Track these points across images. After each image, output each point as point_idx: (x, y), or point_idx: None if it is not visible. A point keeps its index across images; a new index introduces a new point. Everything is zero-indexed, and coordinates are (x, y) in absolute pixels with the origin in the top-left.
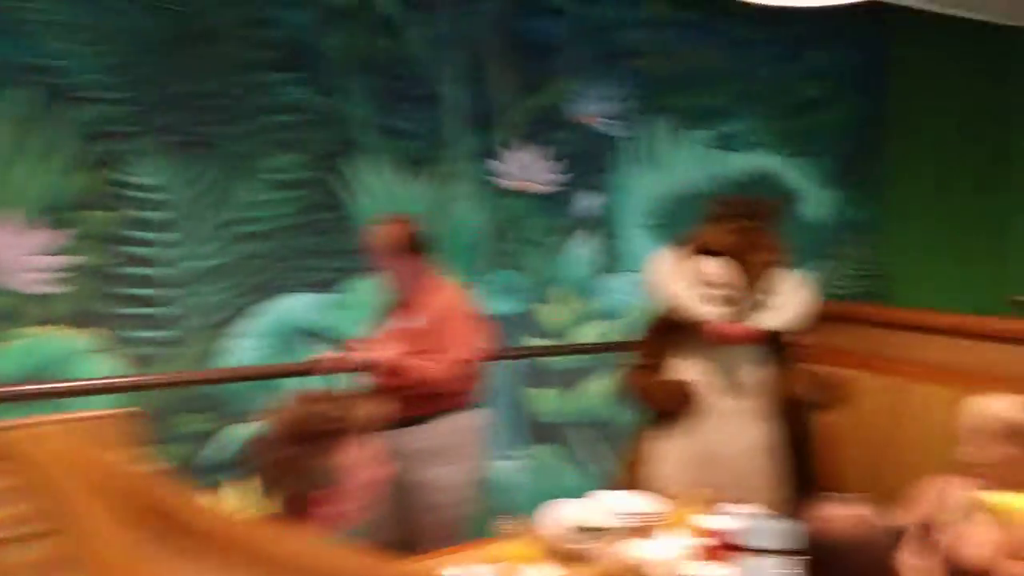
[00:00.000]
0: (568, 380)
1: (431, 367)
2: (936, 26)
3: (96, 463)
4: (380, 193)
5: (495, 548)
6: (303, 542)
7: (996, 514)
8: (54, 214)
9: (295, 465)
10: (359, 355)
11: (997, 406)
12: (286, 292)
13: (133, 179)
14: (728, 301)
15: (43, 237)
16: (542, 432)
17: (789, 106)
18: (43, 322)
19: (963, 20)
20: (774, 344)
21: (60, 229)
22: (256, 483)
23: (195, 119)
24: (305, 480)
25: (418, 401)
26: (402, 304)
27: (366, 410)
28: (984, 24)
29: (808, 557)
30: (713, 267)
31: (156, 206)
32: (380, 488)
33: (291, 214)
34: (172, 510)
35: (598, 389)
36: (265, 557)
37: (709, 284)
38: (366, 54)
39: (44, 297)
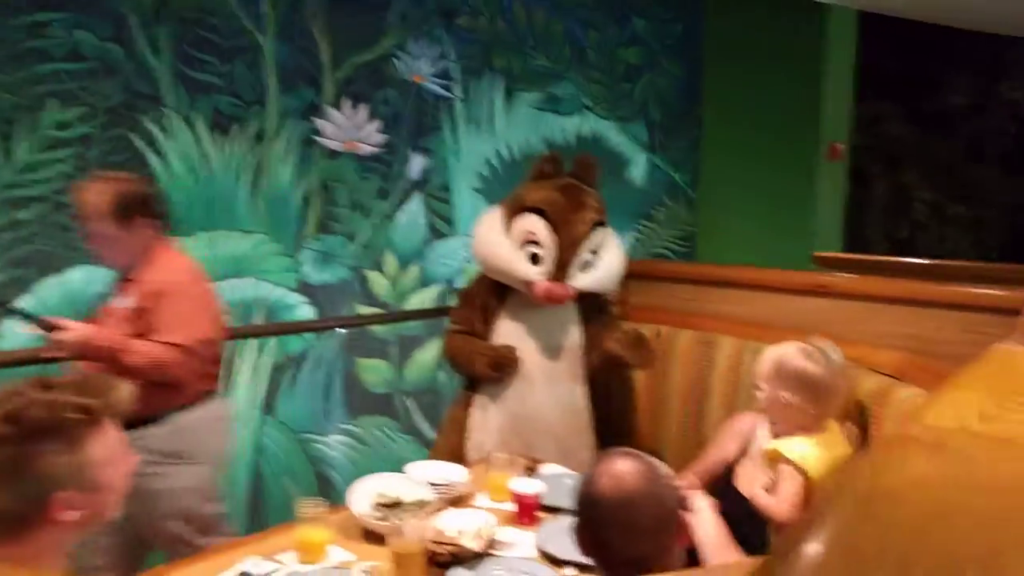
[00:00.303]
0: (400, 349)
1: (139, 351)
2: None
3: None
4: (188, 153)
5: (299, 531)
6: None
7: (767, 458)
8: None
9: (30, 465)
10: (53, 335)
11: (776, 352)
12: (77, 264)
13: None
14: (551, 260)
15: None
16: (373, 403)
17: (614, 71)
18: None
19: None
20: (591, 303)
21: None
22: None
23: None
24: (46, 481)
25: (143, 396)
26: (123, 279)
27: (116, 394)
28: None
29: (579, 514)
30: (534, 225)
31: None
32: (129, 480)
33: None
34: None
35: (430, 357)
36: None
37: (530, 242)
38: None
39: None
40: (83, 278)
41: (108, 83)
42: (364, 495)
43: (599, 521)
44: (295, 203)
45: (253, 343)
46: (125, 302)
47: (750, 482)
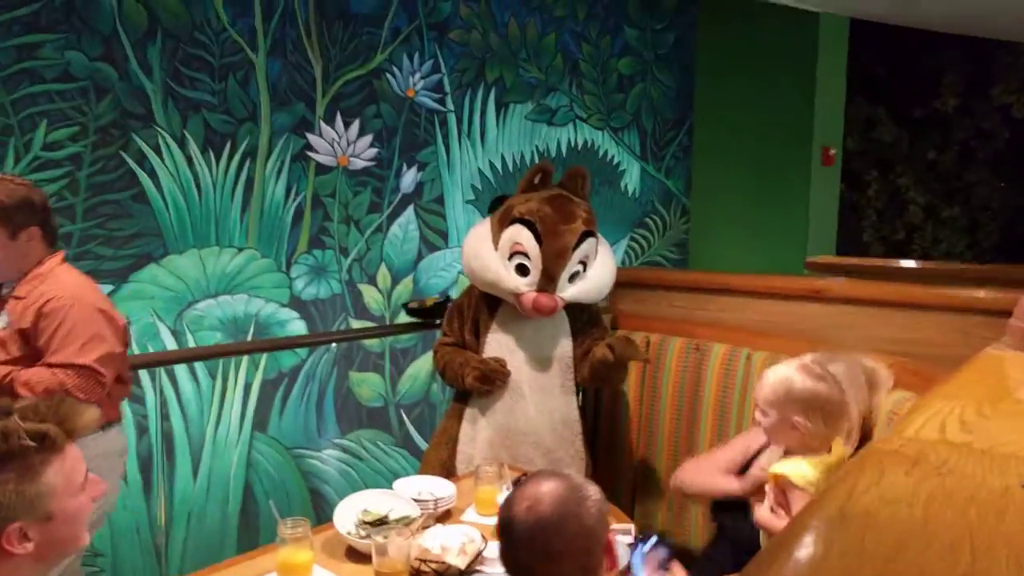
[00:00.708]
0: (393, 362)
1: (31, 380)
2: (744, 8)
3: None
4: (180, 171)
5: (281, 552)
6: None
7: (773, 481)
8: None
9: None
10: None
11: (780, 374)
12: None
13: None
14: (539, 271)
15: None
16: (367, 417)
17: (607, 82)
18: None
19: (770, 4)
20: (581, 314)
21: None
22: None
23: None
24: (6, 516)
25: None
26: (2, 296)
27: (78, 419)
28: (789, 8)
29: (500, 538)
30: (522, 236)
31: None
32: (95, 507)
33: (69, 194)
34: None
35: (424, 370)
36: None
37: (518, 254)
38: (153, 16)
39: None
40: None
41: (99, 103)
42: (349, 513)
43: (517, 545)
44: (287, 219)
45: (245, 359)
46: (4, 321)
47: (756, 509)
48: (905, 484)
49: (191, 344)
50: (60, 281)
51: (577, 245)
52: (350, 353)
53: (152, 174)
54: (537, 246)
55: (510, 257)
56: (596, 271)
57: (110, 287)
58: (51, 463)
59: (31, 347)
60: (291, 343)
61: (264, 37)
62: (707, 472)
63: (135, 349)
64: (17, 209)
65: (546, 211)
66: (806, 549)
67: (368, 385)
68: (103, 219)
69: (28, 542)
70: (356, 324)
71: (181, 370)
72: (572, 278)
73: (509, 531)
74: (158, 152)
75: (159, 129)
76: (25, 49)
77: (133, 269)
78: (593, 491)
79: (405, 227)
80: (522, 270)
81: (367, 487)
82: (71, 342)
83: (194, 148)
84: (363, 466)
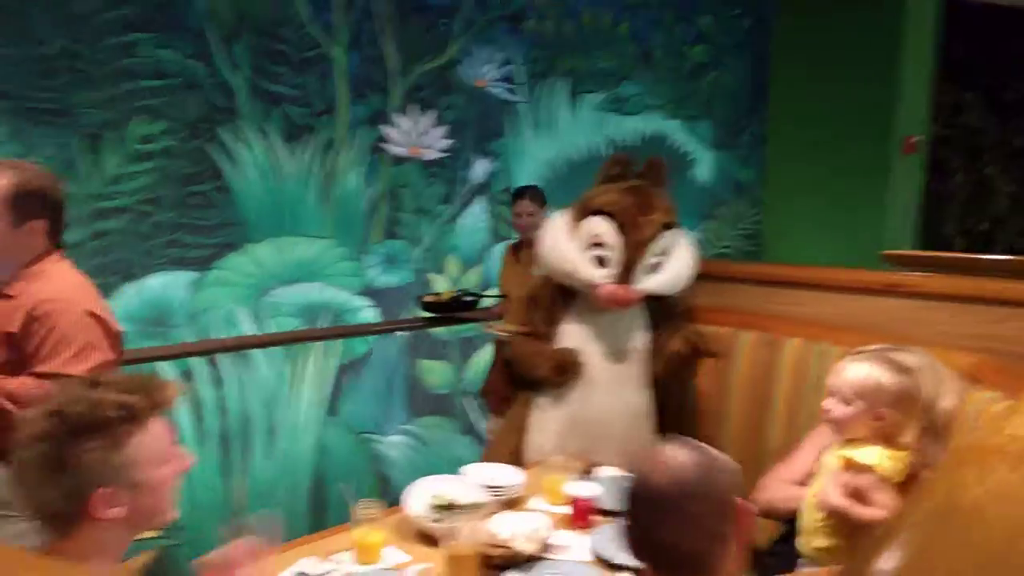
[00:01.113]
0: (461, 350)
1: (26, 396)
2: None
3: None
4: (261, 163)
5: (355, 533)
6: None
7: (845, 467)
8: None
9: (70, 461)
10: None
11: (862, 368)
12: (152, 270)
13: None
14: (617, 262)
15: None
16: (433, 404)
17: (680, 70)
18: None
19: None
20: (659, 306)
21: None
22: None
23: (43, 84)
24: (85, 477)
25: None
26: None
27: (162, 393)
28: None
29: (632, 509)
30: (603, 228)
31: None
32: (178, 483)
33: (160, 186)
34: None
35: (490, 359)
36: None
37: (596, 245)
38: (240, 13)
39: None
40: (161, 284)
41: (189, 98)
42: (420, 497)
43: (653, 515)
44: (362, 209)
45: (319, 346)
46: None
47: (829, 494)
48: (1011, 480)
49: (269, 330)
50: (54, 282)
51: (656, 237)
52: (418, 341)
53: (235, 165)
54: (616, 238)
55: (588, 248)
56: (675, 263)
57: (195, 274)
58: (135, 434)
59: (18, 352)
60: (360, 331)
61: (343, 31)
62: (792, 488)
63: (218, 334)
64: (31, 196)
65: (625, 202)
66: (912, 541)
67: (436, 373)
68: (189, 209)
69: (115, 508)
70: (424, 313)
71: (259, 355)
72: (651, 270)
73: (644, 501)
74: (241, 144)
75: (243, 123)
76: (122, 47)
77: (216, 257)
78: (724, 457)
79: (475, 217)
80: (600, 261)
81: (432, 473)
82: (63, 350)
83: (275, 140)
84: (428, 451)
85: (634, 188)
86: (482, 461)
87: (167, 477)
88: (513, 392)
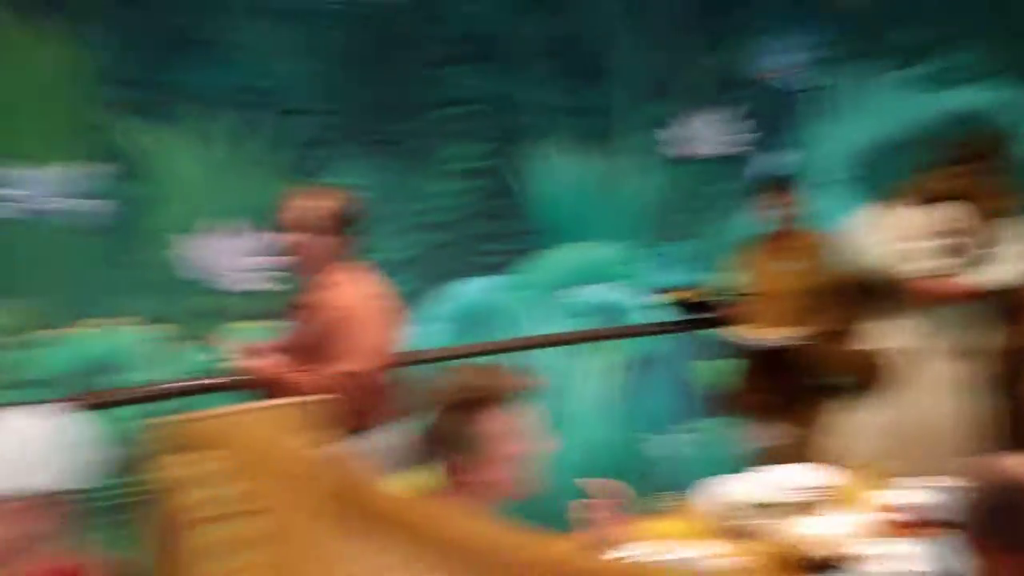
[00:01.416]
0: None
1: (306, 382)
2: None
3: (289, 450)
4: (554, 173)
5: (656, 525)
6: (475, 523)
7: None
8: (261, 219)
9: (445, 433)
10: (240, 362)
11: None
12: (463, 277)
13: (335, 182)
14: (956, 252)
15: (251, 241)
16: (711, 404)
17: (1015, 30)
18: (248, 317)
19: None
20: (994, 300)
21: (265, 232)
22: (422, 456)
23: (385, 119)
24: (453, 448)
25: None
26: (304, 299)
27: (510, 381)
28: None
29: (977, 514)
30: (941, 216)
31: None
32: (526, 462)
33: (471, 202)
34: (358, 493)
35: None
36: (442, 538)
37: (938, 234)
38: (540, 36)
39: (250, 294)
40: (477, 288)
41: (494, 120)
42: (732, 493)
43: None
44: (645, 211)
45: (604, 345)
46: (308, 327)
47: None
48: None
49: (562, 329)
50: (356, 288)
51: (993, 224)
52: (700, 341)
53: (532, 177)
54: (957, 225)
55: (918, 240)
56: (1011, 252)
57: (498, 278)
58: (485, 414)
59: (314, 354)
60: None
61: (628, 37)
62: None
63: (520, 333)
64: (353, 219)
65: (965, 186)
66: None
67: (716, 372)
68: (493, 219)
69: (469, 474)
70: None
71: (551, 353)
72: (984, 260)
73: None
74: (538, 157)
75: (537, 137)
76: (436, 78)
77: (517, 262)
78: None
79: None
80: (943, 252)
81: (715, 472)
82: (346, 351)
83: (566, 150)
84: (709, 453)
85: (972, 171)
86: (768, 463)
87: (507, 456)
88: (784, 398)
